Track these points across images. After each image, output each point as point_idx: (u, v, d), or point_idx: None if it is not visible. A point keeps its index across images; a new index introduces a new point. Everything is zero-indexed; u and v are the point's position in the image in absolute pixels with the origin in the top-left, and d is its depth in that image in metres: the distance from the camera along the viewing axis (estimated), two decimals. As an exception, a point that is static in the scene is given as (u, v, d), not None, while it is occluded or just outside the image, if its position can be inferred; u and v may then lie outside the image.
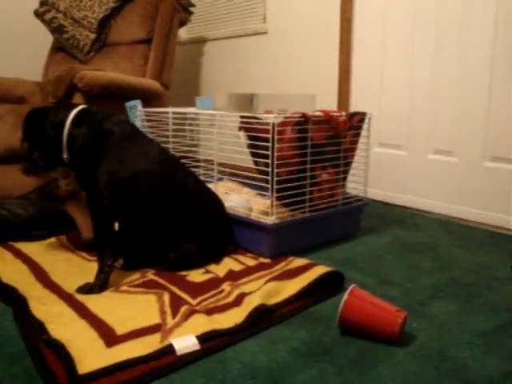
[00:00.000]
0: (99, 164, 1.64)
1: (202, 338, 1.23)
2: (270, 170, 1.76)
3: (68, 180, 1.83)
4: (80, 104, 1.77)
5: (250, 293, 1.47)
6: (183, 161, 1.97)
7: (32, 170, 1.76)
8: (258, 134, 1.88)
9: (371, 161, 2.83)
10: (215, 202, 1.87)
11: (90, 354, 1.15)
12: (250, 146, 2.03)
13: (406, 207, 2.68)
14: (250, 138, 1.99)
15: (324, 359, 1.17)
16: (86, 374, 1.07)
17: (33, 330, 1.28)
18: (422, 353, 1.20)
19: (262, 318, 1.35)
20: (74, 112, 1.71)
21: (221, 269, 1.71)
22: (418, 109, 2.56)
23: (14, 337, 1.28)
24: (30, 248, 1.91)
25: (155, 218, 1.70)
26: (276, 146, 1.75)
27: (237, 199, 2.03)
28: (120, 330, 1.27)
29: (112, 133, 1.68)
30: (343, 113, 1.97)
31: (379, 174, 2.80)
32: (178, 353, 1.18)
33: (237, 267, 1.73)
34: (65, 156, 1.70)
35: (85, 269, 1.72)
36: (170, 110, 2.28)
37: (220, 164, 2.10)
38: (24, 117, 1.74)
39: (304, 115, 1.81)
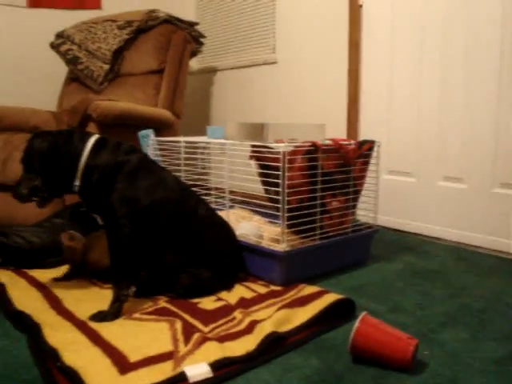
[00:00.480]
0: (118, 193, 1.65)
1: (215, 366, 1.23)
2: (280, 197, 1.79)
3: (73, 237, 1.85)
4: (93, 133, 1.79)
5: (261, 320, 1.48)
6: (194, 189, 2.00)
7: (27, 197, 1.72)
8: (269, 163, 1.91)
9: (381, 188, 2.84)
10: (226, 228, 1.89)
11: (104, 382, 1.16)
12: (261, 175, 2.06)
13: (417, 234, 2.69)
14: (261, 166, 2.02)
15: (336, 387, 1.18)
16: (100, 402, 1.08)
17: (47, 356, 1.30)
18: (434, 381, 1.20)
19: (274, 345, 1.36)
20: (92, 141, 1.72)
21: (232, 296, 1.72)
22: (427, 136, 2.59)
23: (29, 364, 1.30)
24: (43, 275, 1.93)
25: (169, 244, 1.72)
26: (286, 174, 1.78)
27: (248, 227, 2.05)
28: (133, 357, 1.28)
29: (129, 162, 1.71)
30: (352, 141, 2.00)
31: (389, 201, 2.81)
32: (191, 380, 1.18)
33: (248, 295, 1.74)
34: (76, 184, 1.70)
35: (98, 296, 1.74)
36: (181, 139, 2.32)
37: (231, 192, 2.13)
38: (28, 141, 1.72)
39: (314, 144, 1.85)
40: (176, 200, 1.74)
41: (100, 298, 1.72)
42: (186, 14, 4.19)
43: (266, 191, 2.06)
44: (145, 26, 3.40)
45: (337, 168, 1.94)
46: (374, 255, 2.28)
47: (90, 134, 1.76)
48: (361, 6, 2.85)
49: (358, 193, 2.07)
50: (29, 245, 2.00)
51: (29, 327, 1.48)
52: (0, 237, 2.01)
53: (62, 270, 1.99)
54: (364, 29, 2.85)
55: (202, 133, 2.47)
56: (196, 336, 1.37)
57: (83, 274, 1.91)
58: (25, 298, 1.71)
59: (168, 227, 1.71)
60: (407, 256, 2.28)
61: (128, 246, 1.64)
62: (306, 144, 1.85)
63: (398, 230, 2.79)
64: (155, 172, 1.75)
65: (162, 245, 1.72)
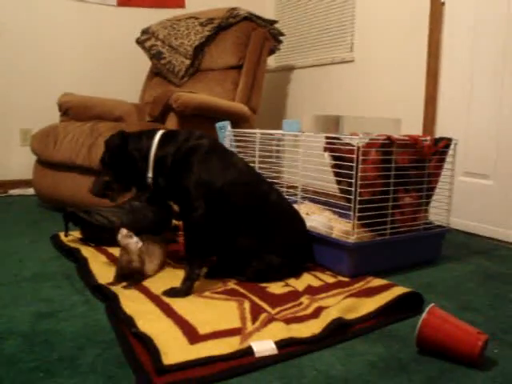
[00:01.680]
0: (192, 175, 1.72)
1: (280, 344, 1.27)
2: (353, 190, 1.80)
3: (131, 257, 1.76)
4: (161, 129, 1.88)
5: (328, 307, 1.50)
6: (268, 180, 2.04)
7: (103, 192, 1.86)
8: (343, 155, 1.92)
9: (456, 190, 2.77)
10: (297, 216, 1.92)
11: (174, 348, 1.22)
12: (334, 167, 2.07)
13: (491, 238, 2.59)
14: (335, 158, 2.04)
15: (400, 374, 1.17)
16: (171, 365, 1.14)
17: (123, 323, 1.38)
18: (503, 379, 1.17)
19: (340, 331, 1.37)
20: (159, 134, 1.81)
21: (300, 283, 1.75)
22: (507, 138, 2.49)
23: (107, 327, 1.39)
24: (121, 253, 2.05)
25: (242, 228, 1.77)
26: (360, 167, 1.78)
27: (319, 219, 2.07)
28: (202, 330, 1.34)
29: (200, 146, 1.77)
30: (428, 137, 1.97)
31: (464, 203, 2.73)
32: (257, 355, 1.22)
33: (316, 283, 1.76)
34: (149, 175, 1.78)
35: (172, 274, 1.83)
36: (257, 131, 2.37)
37: (303, 188, 2.16)
38: (106, 141, 1.85)
39: (389, 138, 1.84)
40: (247, 183, 1.79)
41: (173, 275, 1.80)
42: (266, 12, 4.26)
43: (339, 183, 2.07)
44: (225, 23, 3.50)
45: (411, 163, 1.92)
46: (444, 256, 2.23)
47: (157, 130, 1.85)
48: (443, 3, 2.79)
49: (431, 190, 2.04)
50: (109, 223, 2.12)
51: (108, 297, 1.58)
52: (84, 215, 2.15)
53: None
54: (445, 27, 2.79)
55: (278, 128, 2.51)
56: (263, 316, 1.41)
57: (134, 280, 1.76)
58: (105, 272, 1.82)
59: (239, 210, 1.76)
60: (480, 259, 2.21)
61: (201, 226, 1.70)
62: (380, 137, 1.84)
63: (472, 234, 2.70)
64: (226, 156, 1.81)
65: (234, 228, 1.77)
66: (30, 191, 3.51)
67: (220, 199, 1.73)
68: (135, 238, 1.75)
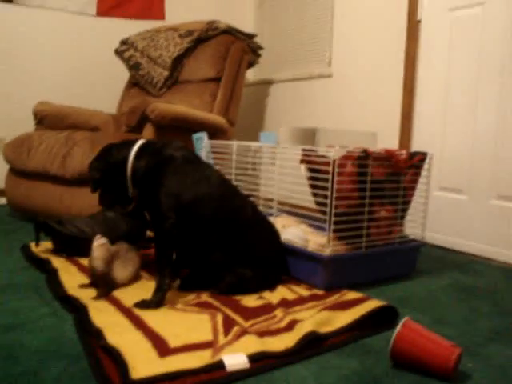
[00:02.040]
0: (162, 187, 1.70)
1: (252, 358, 1.24)
2: (328, 202, 1.79)
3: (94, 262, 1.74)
4: (140, 139, 1.87)
5: (302, 320, 1.48)
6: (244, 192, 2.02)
7: (105, 203, 1.89)
8: (319, 167, 1.92)
9: (431, 205, 2.79)
10: (271, 230, 1.90)
11: (143, 362, 1.19)
12: (310, 179, 2.06)
13: (465, 253, 2.61)
14: (311, 170, 2.03)
15: (373, 389, 1.16)
16: (139, 380, 1.11)
17: (91, 335, 1.34)
18: (477, 393, 1.16)
19: (313, 344, 1.36)
20: (136, 146, 1.81)
21: (274, 296, 1.73)
22: (481, 153, 2.53)
23: (74, 341, 1.34)
24: (93, 264, 2.00)
25: (214, 242, 1.75)
26: (336, 179, 1.78)
27: (294, 232, 2.05)
28: (173, 342, 1.31)
29: (174, 158, 1.76)
30: (404, 151, 1.98)
31: (438, 218, 2.75)
32: (228, 369, 1.20)
33: (290, 296, 1.74)
34: (130, 190, 1.80)
35: (144, 286, 1.79)
36: (234, 142, 2.36)
37: (278, 201, 2.14)
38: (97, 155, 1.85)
39: (365, 151, 1.84)
40: (220, 197, 1.77)
41: (145, 287, 1.76)
42: (245, 25, 4.28)
43: (315, 196, 2.06)
44: (205, 36, 3.50)
45: (387, 177, 1.92)
46: (419, 270, 2.24)
47: (135, 141, 1.84)
48: (419, 21, 2.83)
49: (407, 204, 2.04)
50: (82, 234, 2.08)
51: (76, 308, 1.53)
52: (56, 225, 2.10)
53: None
54: (421, 43, 2.83)
55: (257, 141, 2.50)
56: (236, 328, 1.39)
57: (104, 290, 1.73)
58: (75, 282, 1.77)
59: (212, 224, 1.74)
60: (454, 273, 2.22)
61: (171, 237, 1.68)
62: (356, 150, 1.85)
63: (446, 248, 2.72)
64: (200, 168, 1.79)
65: (206, 241, 1.75)
66: (2, 201, 3.43)
67: (190, 212, 1.72)
68: (105, 245, 1.75)
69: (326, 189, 1.82)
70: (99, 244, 1.75)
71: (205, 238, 1.75)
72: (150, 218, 1.77)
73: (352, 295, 1.71)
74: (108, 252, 1.76)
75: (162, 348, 1.27)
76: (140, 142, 1.82)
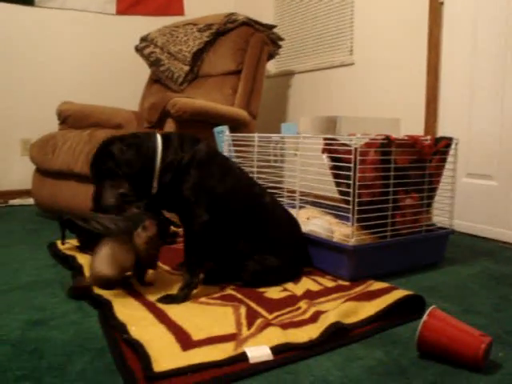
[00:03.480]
0: (192, 184, 1.65)
1: (276, 350, 1.23)
2: (351, 191, 1.76)
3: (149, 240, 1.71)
4: (156, 131, 1.75)
5: (326, 311, 1.46)
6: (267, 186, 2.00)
7: (115, 207, 1.66)
8: (341, 156, 1.89)
9: (459, 192, 2.72)
10: (291, 218, 1.89)
11: (166, 355, 1.18)
12: (333, 169, 2.03)
13: (496, 240, 2.54)
14: (333, 160, 2.00)
15: (400, 380, 1.13)
16: (161, 372, 1.10)
17: (115, 330, 1.35)
18: (508, 383, 1.12)
19: (338, 335, 1.33)
20: (159, 140, 1.69)
21: (298, 288, 1.71)
22: (511, 137, 2.45)
23: (99, 335, 1.35)
24: (118, 260, 2.01)
25: (238, 232, 1.74)
26: (358, 168, 1.74)
27: (319, 223, 2.03)
28: (196, 335, 1.30)
29: (197, 154, 1.70)
30: (428, 137, 1.93)
31: (467, 205, 2.68)
32: (251, 361, 1.18)
33: (315, 287, 1.72)
34: (154, 185, 1.67)
35: (167, 280, 1.79)
36: (256, 135, 2.34)
37: (302, 193, 2.12)
38: (100, 149, 1.67)
39: (387, 137, 1.80)
40: (244, 187, 1.76)
41: (169, 282, 1.76)
42: (265, 17, 4.25)
43: (338, 185, 2.03)
44: (224, 29, 3.48)
45: (411, 164, 1.88)
46: (448, 258, 2.18)
47: (154, 133, 1.72)
48: (442, 3, 2.76)
49: (433, 191, 1.99)
50: (106, 231, 2.09)
51: (101, 304, 1.54)
52: (81, 222, 2.12)
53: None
54: (444, 26, 2.75)
55: (278, 133, 2.48)
56: (259, 321, 1.37)
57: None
58: (99, 278, 1.78)
59: (239, 215, 1.73)
60: (485, 261, 2.16)
61: (204, 235, 1.66)
62: (379, 137, 1.81)
63: (476, 236, 2.65)
64: (223, 161, 1.77)
65: (232, 232, 1.74)
66: (30, 201, 3.49)
67: (221, 206, 1.70)
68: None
69: (348, 178, 1.79)
70: (109, 241, 1.70)
71: (230, 229, 1.74)
72: (180, 216, 1.73)
73: (378, 285, 1.68)
74: (120, 253, 1.69)
75: (185, 341, 1.27)
76: (160, 135, 1.70)
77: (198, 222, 1.64)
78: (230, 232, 1.74)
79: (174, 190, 1.67)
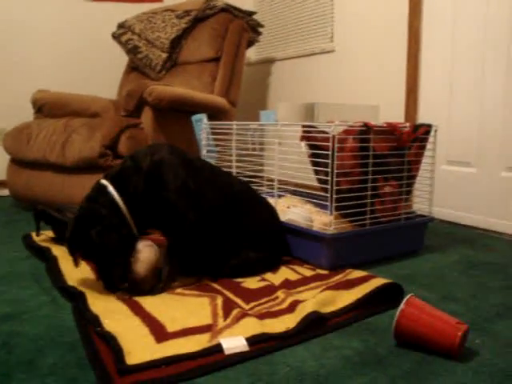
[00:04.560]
0: (169, 190, 1.60)
1: (252, 340, 1.21)
2: (329, 179, 1.74)
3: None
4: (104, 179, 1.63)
5: (304, 300, 1.44)
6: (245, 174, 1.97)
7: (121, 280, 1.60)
8: (319, 143, 1.87)
9: (439, 179, 2.72)
10: (265, 204, 1.87)
11: (140, 348, 1.16)
12: (311, 157, 2.01)
13: (475, 227, 2.55)
14: (311, 147, 1.98)
15: (376, 369, 1.12)
16: (134, 365, 1.08)
17: (88, 322, 1.32)
18: (484, 370, 1.12)
19: (315, 325, 1.32)
20: (106, 183, 1.59)
21: (277, 277, 1.69)
22: (490, 124, 2.45)
23: (71, 329, 1.32)
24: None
25: (216, 227, 1.71)
26: (336, 155, 1.72)
27: (297, 212, 2.01)
28: (171, 327, 1.28)
29: (160, 161, 1.63)
30: (407, 124, 1.91)
31: (447, 192, 2.69)
32: (226, 352, 1.16)
33: (293, 276, 1.70)
34: (133, 228, 1.60)
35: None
36: (234, 123, 2.31)
37: (281, 181, 2.09)
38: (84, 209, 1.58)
39: (366, 124, 1.78)
40: (213, 177, 1.73)
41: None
42: (245, 3, 4.19)
43: (316, 173, 2.01)
44: (202, 15, 3.42)
45: (390, 151, 1.86)
46: (427, 246, 2.18)
47: (103, 188, 1.59)
48: (422, -10, 2.74)
49: (412, 178, 1.98)
50: (81, 221, 2.05)
51: (75, 296, 1.51)
52: (55, 212, 2.07)
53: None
54: (424, 14, 2.74)
55: (258, 121, 2.44)
56: (235, 311, 1.35)
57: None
58: (74, 270, 1.74)
59: (213, 207, 1.70)
60: (464, 248, 2.16)
61: (194, 234, 1.64)
62: (357, 124, 1.79)
63: (455, 223, 2.66)
64: (185, 157, 1.71)
65: (209, 229, 1.71)
66: (6, 192, 3.42)
67: (197, 200, 1.65)
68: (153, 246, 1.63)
69: (327, 166, 1.77)
70: (146, 245, 1.63)
71: (209, 224, 1.70)
72: (166, 228, 1.66)
73: (356, 274, 1.66)
74: (155, 255, 1.63)
75: (160, 333, 1.24)
76: (103, 181, 1.61)
77: (185, 225, 1.61)
78: (206, 228, 1.70)
79: (152, 206, 1.61)
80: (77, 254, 1.59)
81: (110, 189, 1.58)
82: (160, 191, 1.60)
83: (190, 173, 1.67)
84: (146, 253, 1.61)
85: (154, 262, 1.61)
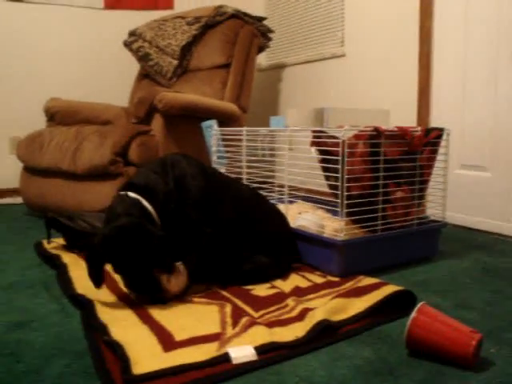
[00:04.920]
0: (194, 202, 1.63)
1: (261, 350, 1.19)
2: (340, 185, 1.72)
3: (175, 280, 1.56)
4: (126, 194, 1.58)
5: (314, 308, 1.42)
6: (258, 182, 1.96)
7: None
8: (329, 149, 1.85)
9: (453, 184, 2.68)
10: (275, 211, 1.86)
11: (147, 357, 1.14)
12: (322, 162, 1.99)
13: (490, 232, 2.50)
14: (321, 153, 1.96)
15: (388, 379, 1.09)
16: (140, 375, 1.06)
17: (96, 331, 1.31)
18: (500, 380, 1.09)
19: (325, 333, 1.29)
20: (137, 196, 1.56)
21: (287, 285, 1.67)
22: (504, 128, 2.41)
23: (80, 337, 1.31)
24: (104, 259, 1.97)
25: (227, 235, 1.71)
26: (347, 160, 1.70)
27: (309, 218, 1.99)
28: (179, 336, 1.26)
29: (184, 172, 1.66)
30: (419, 128, 1.88)
31: (461, 197, 2.64)
32: (234, 361, 1.14)
33: (303, 284, 1.68)
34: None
35: (152, 279, 1.74)
36: (244, 128, 2.30)
37: (292, 187, 2.08)
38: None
39: (376, 129, 1.76)
40: (226, 186, 1.74)
41: (154, 280, 1.72)
42: (255, 9, 4.19)
43: (327, 179, 1.99)
44: (212, 22, 3.43)
45: (401, 156, 1.83)
46: (441, 252, 2.14)
47: (128, 197, 1.56)
48: (434, -7, 2.72)
49: (424, 183, 1.95)
50: (92, 229, 2.05)
51: (83, 304, 1.50)
52: (66, 220, 2.07)
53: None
54: (436, 16, 2.71)
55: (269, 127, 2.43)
56: (244, 319, 1.34)
57: None
58: (84, 278, 1.73)
59: (228, 217, 1.70)
60: (478, 254, 2.12)
61: (210, 245, 1.65)
62: (367, 129, 1.76)
63: (469, 228, 2.61)
64: (203, 167, 1.72)
65: (222, 236, 1.71)
66: (20, 200, 3.44)
67: (214, 213, 1.67)
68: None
69: (337, 171, 1.75)
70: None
71: (223, 234, 1.70)
72: (185, 240, 1.65)
73: (368, 281, 1.64)
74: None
75: (168, 342, 1.23)
76: (134, 194, 1.56)
77: (202, 238, 1.62)
78: (221, 238, 1.70)
79: (177, 216, 1.61)
80: (102, 265, 1.50)
81: (145, 203, 1.55)
82: (183, 207, 1.61)
83: (208, 185, 1.68)
84: (181, 269, 1.57)
85: (186, 277, 1.58)
